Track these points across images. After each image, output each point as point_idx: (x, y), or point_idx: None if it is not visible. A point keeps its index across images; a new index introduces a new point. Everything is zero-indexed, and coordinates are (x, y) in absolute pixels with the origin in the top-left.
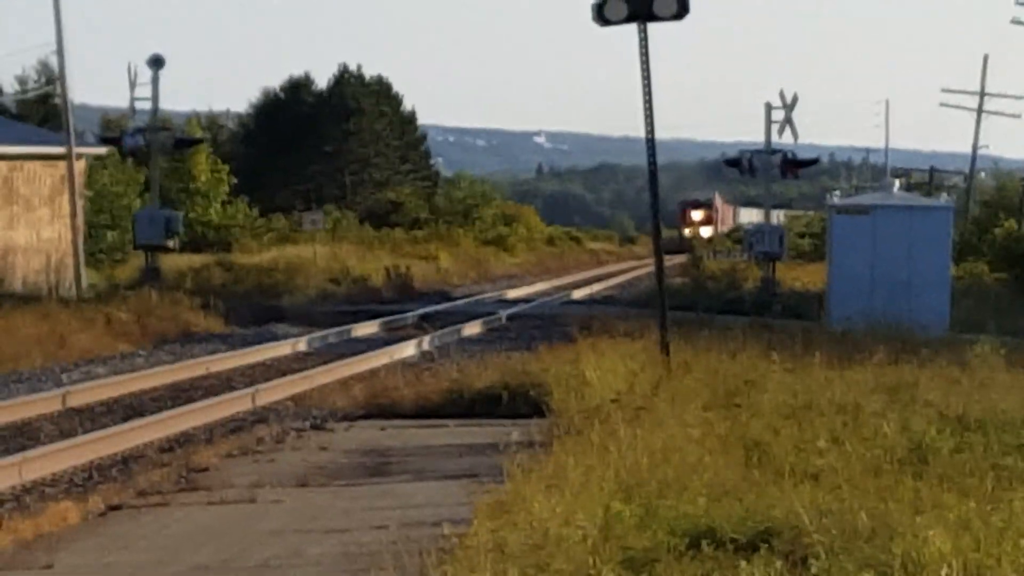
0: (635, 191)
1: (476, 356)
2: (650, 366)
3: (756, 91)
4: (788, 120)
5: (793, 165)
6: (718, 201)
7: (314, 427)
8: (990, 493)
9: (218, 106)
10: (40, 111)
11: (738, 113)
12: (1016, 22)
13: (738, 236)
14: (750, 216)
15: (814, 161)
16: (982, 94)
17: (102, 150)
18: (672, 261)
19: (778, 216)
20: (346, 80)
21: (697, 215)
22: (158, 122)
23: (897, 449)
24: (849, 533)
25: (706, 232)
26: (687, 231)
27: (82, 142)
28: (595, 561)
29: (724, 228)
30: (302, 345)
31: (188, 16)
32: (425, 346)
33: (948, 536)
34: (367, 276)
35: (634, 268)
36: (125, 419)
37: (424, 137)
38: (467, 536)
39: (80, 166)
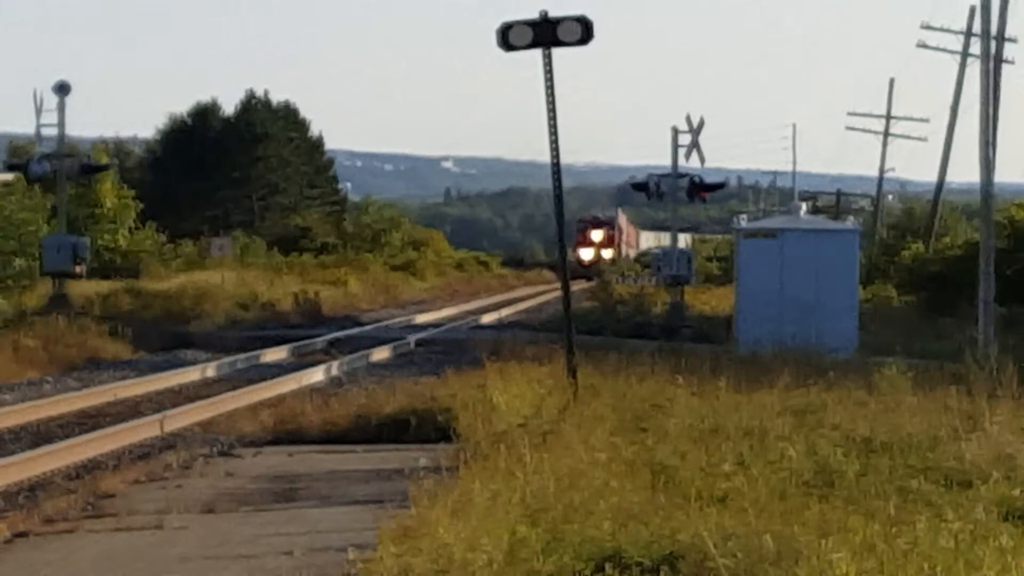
0: (543, 215)
1: (385, 381)
2: (557, 391)
3: (664, 115)
4: (695, 144)
5: (700, 189)
6: (622, 220)
7: (222, 453)
8: (895, 516)
9: (125, 132)
10: None
11: (646, 137)
12: (922, 46)
13: (647, 260)
14: (658, 240)
15: (721, 185)
16: (888, 117)
17: (9, 176)
18: (576, 287)
19: (686, 240)
20: (253, 106)
21: (597, 235)
22: (65, 149)
23: (803, 472)
24: (755, 557)
25: (607, 254)
26: (584, 253)
27: None
28: None
29: (630, 250)
30: (211, 371)
31: (93, 42)
32: (334, 371)
33: (853, 559)
34: (276, 302)
35: (543, 292)
36: (32, 446)
37: (332, 162)
38: (372, 561)
39: None
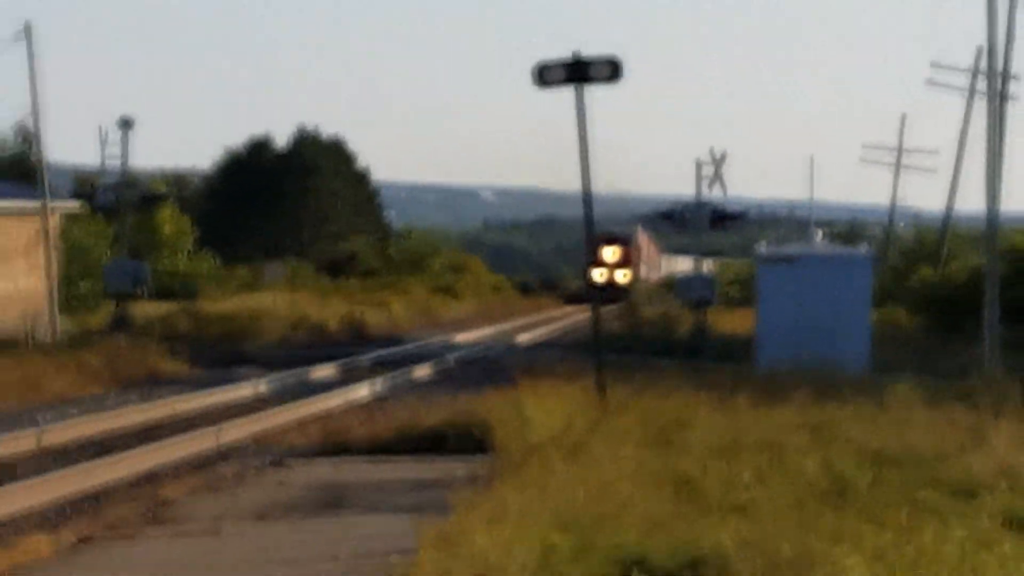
0: (575, 242)
1: (425, 397)
2: (587, 406)
3: (690, 148)
4: (718, 175)
5: (721, 218)
6: (641, 238)
7: (273, 464)
8: (905, 525)
9: (184, 163)
10: (17, 169)
11: (672, 168)
12: (931, 83)
13: (670, 283)
14: (683, 264)
15: (741, 215)
16: (900, 150)
17: (75, 205)
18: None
19: (709, 264)
20: (304, 140)
21: (609, 253)
22: (127, 179)
23: (818, 484)
24: (772, 563)
25: (622, 275)
26: (594, 274)
27: (56, 198)
28: None
29: (652, 272)
30: (263, 387)
31: (155, 80)
32: (378, 388)
33: (865, 565)
34: (324, 322)
35: (573, 314)
36: (95, 457)
37: (377, 192)
38: (413, 566)
39: (54, 221)
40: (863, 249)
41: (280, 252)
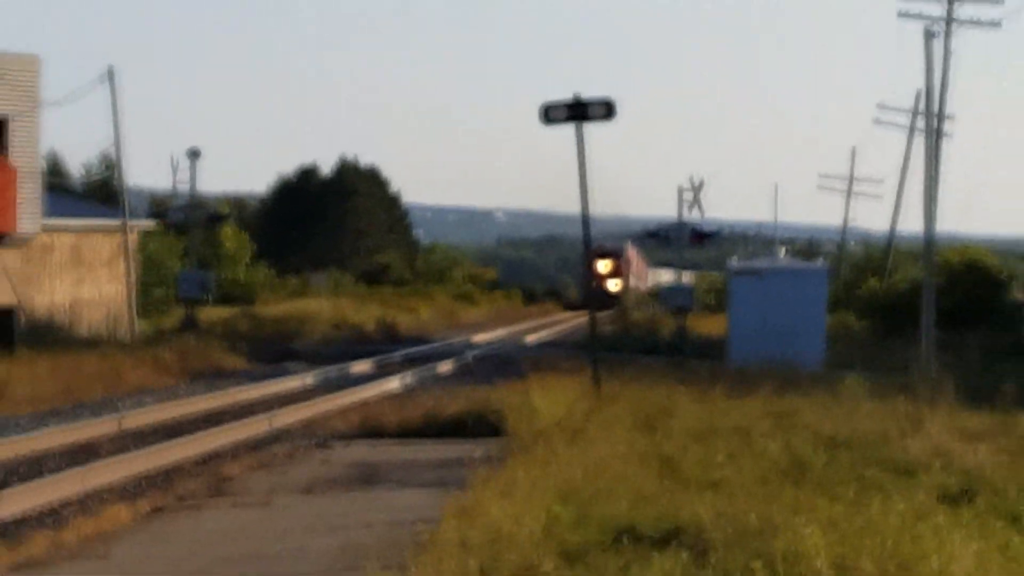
0: (577, 257)
1: (448, 389)
2: (585, 397)
3: (673, 176)
4: (696, 200)
5: (699, 237)
6: (631, 253)
7: (318, 445)
8: (854, 498)
9: (243, 188)
10: (101, 192)
11: (658, 194)
12: (877, 122)
13: (656, 292)
14: (666, 276)
15: (715, 233)
16: (851, 179)
17: (150, 224)
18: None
19: (688, 276)
20: (346, 168)
21: (602, 266)
22: (194, 202)
23: (781, 463)
24: (741, 531)
25: (613, 284)
26: (613, 284)
27: (134, 217)
28: (538, 554)
29: (640, 283)
30: (309, 379)
31: (218, 115)
32: (407, 380)
33: (820, 533)
34: (361, 324)
35: (574, 318)
36: (167, 438)
37: (407, 213)
38: (437, 533)
39: (133, 237)
40: (819, 263)
41: (324, 264)
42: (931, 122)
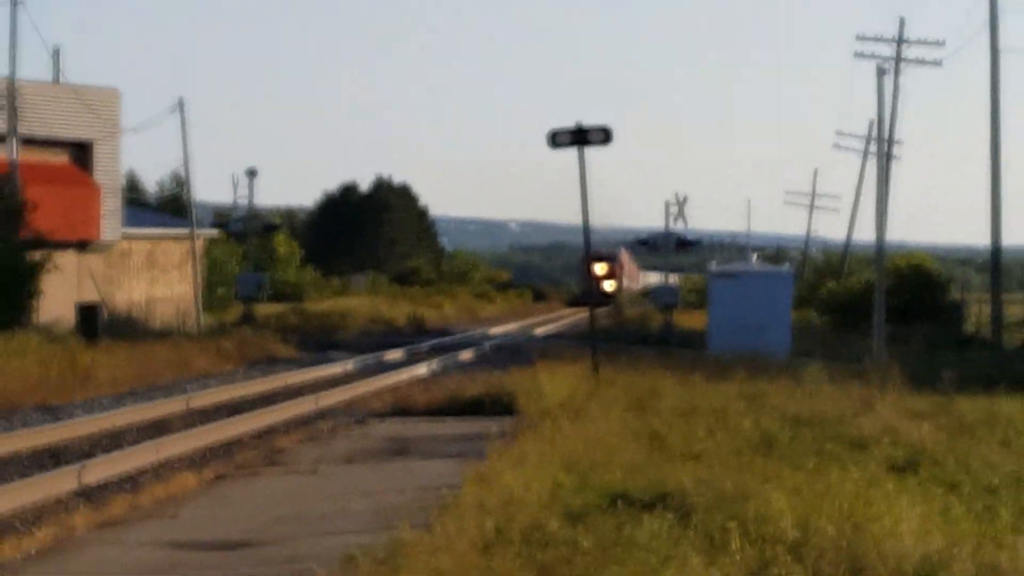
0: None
1: (468, 373)
2: (585, 381)
3: (661, 191)
4: (680, 213)
5: (683, 245)
6: (624, 256)
7: (358, 422)
8: (815, 468)
9: (294, 202)
10: (172, 206)
11: (647, 207)
12: (836, 146)
13: (646, 292)
14: (655, 278)
15: (696, 242)
16: (813, 195)
17: (214, 232)
18: (578, 315)
19: (674, 278)
20: (381, 185)
21: (599, 268)
22: (252, 214)
23: (752, 438)
24: (719, 496)
25: (609, 285)
26: (608, 284)
27: (200, 227)
28: (545, 515)
29: (632, 284)
30: (350, 366)
31: (273, 139)
32: (434, 367)
33: (786, 498)
34: (394, 319)
35: (576, 313)
36: (228, 415)
37: (433, 224)
38: (459, 497)
39: (199, 243)
40: (786, 268)
41: (363, 267)
42: (882, 147)
